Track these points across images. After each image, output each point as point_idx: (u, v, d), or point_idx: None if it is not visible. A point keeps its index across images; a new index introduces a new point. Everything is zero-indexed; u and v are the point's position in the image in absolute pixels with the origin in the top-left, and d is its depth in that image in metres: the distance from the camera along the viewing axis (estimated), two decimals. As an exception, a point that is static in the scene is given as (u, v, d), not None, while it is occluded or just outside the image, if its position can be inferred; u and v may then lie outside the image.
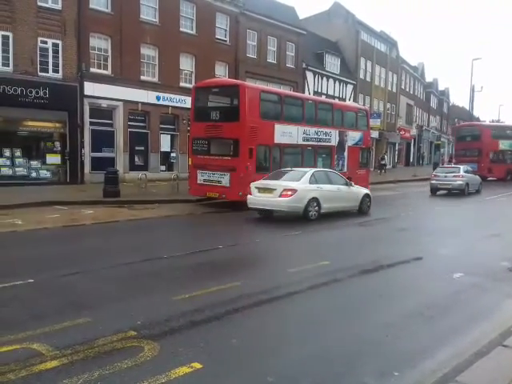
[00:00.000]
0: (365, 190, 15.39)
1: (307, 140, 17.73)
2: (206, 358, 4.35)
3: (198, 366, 4.17)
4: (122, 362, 4.19)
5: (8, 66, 18.97)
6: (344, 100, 37.56)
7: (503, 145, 33.97)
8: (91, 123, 21.73)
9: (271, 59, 30.72)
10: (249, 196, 13.42)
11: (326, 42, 40.31)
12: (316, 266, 7.91)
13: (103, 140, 22.27)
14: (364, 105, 36.40)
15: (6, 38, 18.76)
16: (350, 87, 40.28)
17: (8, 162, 19.68)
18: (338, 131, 19.37)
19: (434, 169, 27.35)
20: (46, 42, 19.85)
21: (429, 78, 67.20)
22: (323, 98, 31.44)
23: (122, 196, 16.52)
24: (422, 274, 7.91)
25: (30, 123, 20.41)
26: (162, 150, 24.80)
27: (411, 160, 55.34)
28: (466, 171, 22.80)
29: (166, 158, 25.12)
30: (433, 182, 22.76)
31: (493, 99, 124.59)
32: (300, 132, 17.35)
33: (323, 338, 5.01)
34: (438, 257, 9.32)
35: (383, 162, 39.06)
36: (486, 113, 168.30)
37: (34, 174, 20.27)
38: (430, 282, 7.33)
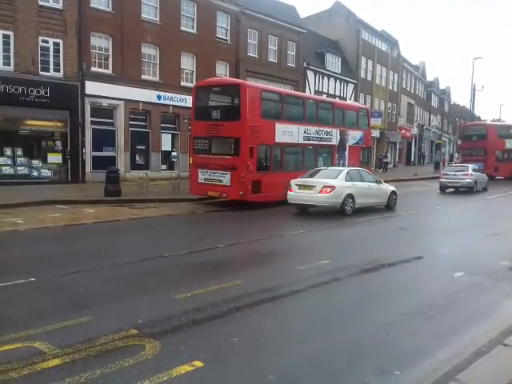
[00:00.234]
0: (391, 188, 16.17)
1: (308, 139, 17.72)
2: (207, 356, 4.36)
3: (199, 364, 4.18)
4: (124, 361, 4.20)
5: (9, 65, 18.97)
6: (345, 99, 37.50)
7: (509, 144, 34.12)
8: (92, 122, 21.75)
9: (272, 58, 30.69)
10: (289, 192, 14.44)
11: (327, 41, 40.28)
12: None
13: (104, 139, 22.28)
14: (365, 104, 36.34)
15: (7, 37, 18.76)
16: (350, 86, 40.24)
17: (9, 161, 19.69)
18: (338, 130, 19.35)
19: (435, 168, 27.50)
20: (47, 42, 19.85)
21: (430, 77, 67.23)
22: (324, 97, 31.41)
23: (123, 195, 16.53)
24: (421, 272, 7.94)
25: (31, 122, 20.41)
26: (163, 149, 24.81)
27: (412, 159, 55.24)
28: (474, 170, 23.67)
29: (166, 157, 25.13)
30: (442, 180, 23.54)
31: (494, 98, 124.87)
32: (301, 131, 17.34)
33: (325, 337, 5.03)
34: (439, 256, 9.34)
35: (386, 160, 38.83)
36: (487, 112, 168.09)
37: (35, 173, 20.28)
38: (431, 281, 7.34)
